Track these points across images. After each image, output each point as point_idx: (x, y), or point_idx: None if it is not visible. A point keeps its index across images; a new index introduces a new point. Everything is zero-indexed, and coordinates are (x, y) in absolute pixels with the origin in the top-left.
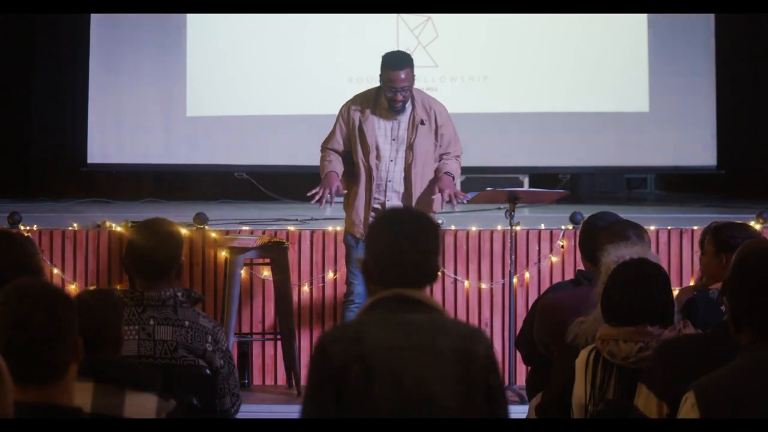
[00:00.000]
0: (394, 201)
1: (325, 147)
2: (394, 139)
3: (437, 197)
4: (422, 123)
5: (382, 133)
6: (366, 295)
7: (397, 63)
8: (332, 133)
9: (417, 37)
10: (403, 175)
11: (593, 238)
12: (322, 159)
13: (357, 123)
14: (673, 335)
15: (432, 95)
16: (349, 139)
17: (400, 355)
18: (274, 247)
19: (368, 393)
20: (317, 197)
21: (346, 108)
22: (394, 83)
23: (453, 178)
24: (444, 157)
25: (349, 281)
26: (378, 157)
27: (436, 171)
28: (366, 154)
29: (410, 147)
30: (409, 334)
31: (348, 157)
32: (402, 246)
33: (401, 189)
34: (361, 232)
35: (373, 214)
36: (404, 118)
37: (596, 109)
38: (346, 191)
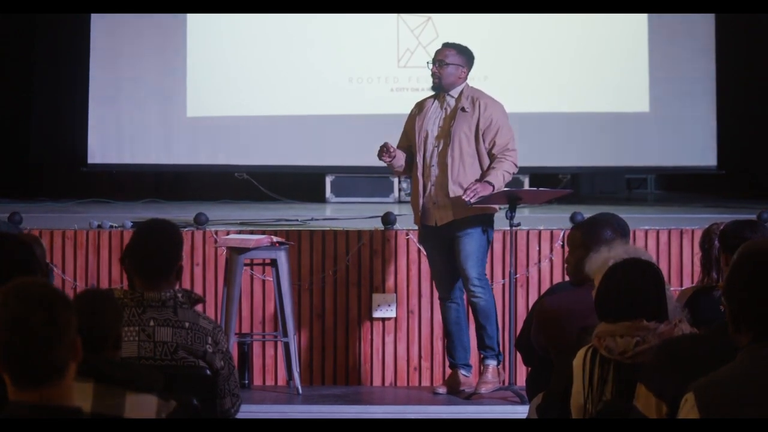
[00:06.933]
0: (437, 182)
1: (397, 147)
2: (440, 127)
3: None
4: (463, 110)
5: (431, 123)
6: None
7: (446, 42)
8: (403, 132)
9: (417, 37)
10: (440, 159)
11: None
12: None
13: (415, 114)
14: (669, 329)
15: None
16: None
17: None
18: (274, 247)
19: None
20: (383, 151)
21: (414, 106)
22: (435, 55)
23: (493, 188)
24: (494, 155)
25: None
26: (425, 143)
27: (481, 176)
28: (419, 143)
29: (448, 131)
30: None
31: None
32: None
33: (440, 172)
34: (419, 219)
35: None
36: (451, 109)
37: (596, 109)
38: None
